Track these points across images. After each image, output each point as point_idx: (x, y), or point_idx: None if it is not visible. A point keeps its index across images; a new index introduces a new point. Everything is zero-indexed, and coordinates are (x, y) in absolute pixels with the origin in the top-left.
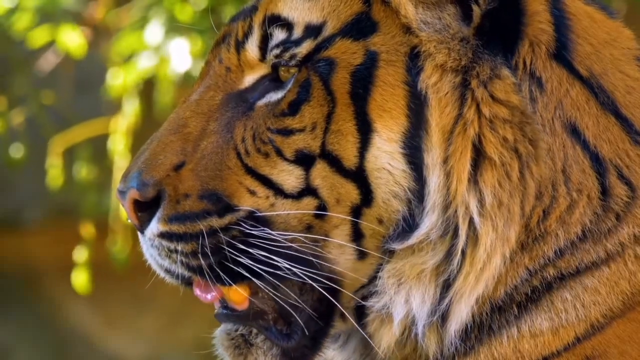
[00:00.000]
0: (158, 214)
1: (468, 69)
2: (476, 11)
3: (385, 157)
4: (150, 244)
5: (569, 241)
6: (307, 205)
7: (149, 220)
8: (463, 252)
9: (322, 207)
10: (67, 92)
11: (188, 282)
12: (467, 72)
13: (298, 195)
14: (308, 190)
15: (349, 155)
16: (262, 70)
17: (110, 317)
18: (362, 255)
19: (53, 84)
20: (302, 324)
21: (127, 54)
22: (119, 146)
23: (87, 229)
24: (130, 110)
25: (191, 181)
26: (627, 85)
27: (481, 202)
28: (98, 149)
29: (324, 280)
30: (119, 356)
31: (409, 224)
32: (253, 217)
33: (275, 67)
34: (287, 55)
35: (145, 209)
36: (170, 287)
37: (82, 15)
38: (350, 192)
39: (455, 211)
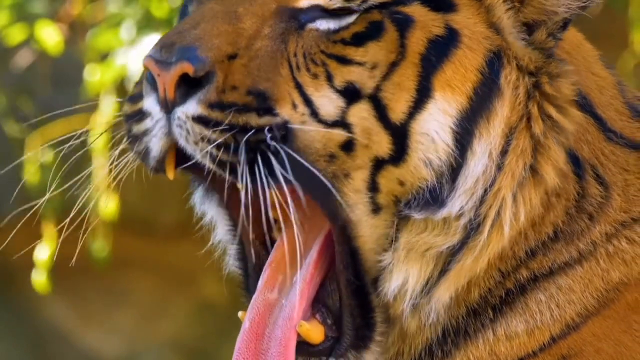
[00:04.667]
0: (199, 96)
1: (540, 71)
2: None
3: (435, 124)
4: (177, 124)
5: (540, 241)
6: (337, 135)
7: (184, 100)
8: (475, 248)
9: (349, 144)
10: (44, 89)
11: (192, 167)
12: (540, 74)
13: (331, 124)
14: (342, 124)
15: (398, 109)
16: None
17: (86, 313)
18: (376, 209)
19: (30, 80)
20: (352, 327)
21: (103, 50)
22: (97, 143)
23: (50, 229)
24: (108, 106)
25: (242, 75)
26: (599, 85)
27: (516, 213)
28: (75, 146)
29: (341, 224)
30: (96, 352)
31: (434, 197)
32: (284, 128)
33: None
34: None
35: (185, 86)
36: (146, 283)
37: (58, 12)
38: (383, 143)
39: (490, 207)
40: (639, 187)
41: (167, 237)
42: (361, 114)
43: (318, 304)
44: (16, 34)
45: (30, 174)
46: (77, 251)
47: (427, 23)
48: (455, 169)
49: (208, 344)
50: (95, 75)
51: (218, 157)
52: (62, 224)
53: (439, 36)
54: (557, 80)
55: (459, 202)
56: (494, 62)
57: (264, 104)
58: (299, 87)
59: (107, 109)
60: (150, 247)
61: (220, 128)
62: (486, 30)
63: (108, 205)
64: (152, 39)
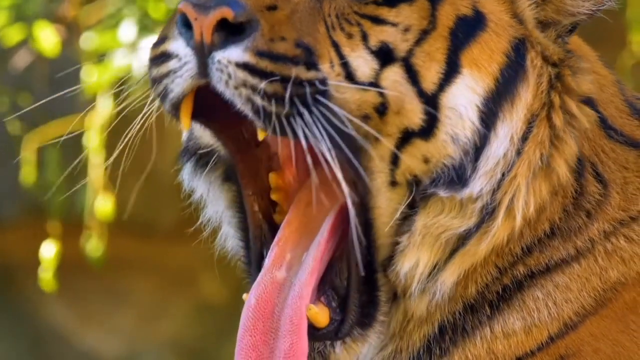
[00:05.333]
0: (246, 44)
1: (562, 64)
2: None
3: (463, 100)
4: (217, 68)
5: (536, 238)
6: (371, 97)
7: (224, 46)
8: (488, 233)
9: (382, 107)
10: (41, 89)
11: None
12: (562, 67)
13: (366, 85)
14: (376, 86)
15: (429, 79)
16: None
17: (85, 313)
18: (394, 182)
19: (27, 80)
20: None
21: (101, 52)
22: (93, 143)
23: (55, 229)
24: (105, 107)
25: (288, 26)
26: (600, 83)
27: (527, 202)
28: (72, 145)
29: (360, 191)
30: (95, 352)
31: (459, 176)
32: (324, 84)
33: None
34: None
35: (223, 31)
36: (145, 283)
37: (55, 13)
38: (415, 113)
39: (505, 193)
40: (638, 185)
41: (166, 238)
42: (394, 77)
43: (324, 286)
44: (14, 35)
45: (27, 174)
46: (77, 251)
47: (455, 1)
48: (478, 148)
49: (207, 344)
50: (92, 77)
51: (262, 106)
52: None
53: (467, 15)
54: (577, 76)
55: (480, 183)
56: (520, 47)
57: (310, 58)
58: (335, 46)
59: (104, 110)
60: (150, 248)
61: (271, 79)
62: (510, 20)
63: (105, 205)
64: (150, 40)
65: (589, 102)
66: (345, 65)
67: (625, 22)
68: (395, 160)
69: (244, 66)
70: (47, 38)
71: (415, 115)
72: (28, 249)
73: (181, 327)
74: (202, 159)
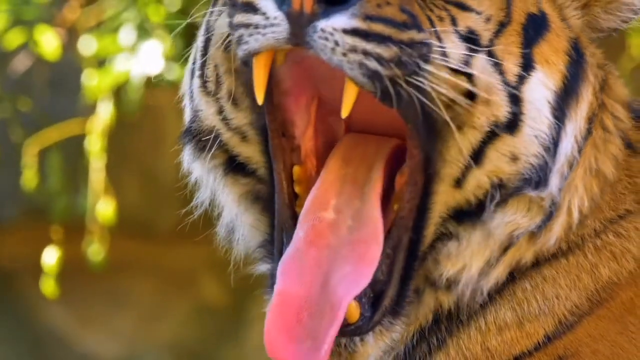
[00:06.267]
0: (352, 11)
1: (604, 67)
2: None
3: (540, 94)
4: (321, 36)
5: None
6: (462, 81)
7: (327, 14)
8: (551, 230)
9: (471, 94)
10: (41, 93)
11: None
12: (604, 69)
13: (456, 69)
14: (465, 73)
15: (510, 71)
16: None
17: (85, 316)
18: (458, 182)
19: (28, 84)
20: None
21: (101, 56)
22: (94, 147)
23: (57, 233)
24: (105, 111)
25: None
26: None
27: (583, 201)
28: (72, 149)
29: (430, 174)
30: (95, 355)
31: (544, 174)
32: (429, 50)
33: None
34: None
35: (324, 1)
36: (145, 285)
37: (56, 17)
38: (502, 105)
39: (568, 191)
40: (626, 184)
41: (166, 240)
42: (483, 65)
43: None
44: (14, 39)
45: (28, 178)
46: (77, 254)
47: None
48: (554, 145)
49: (207, 347)
50: (92, 80)
51: (375, 71)
52: (66, 226)
53: (535, 13)
54: (617, 79)
55: (555, 181)
56: (578, 48)
57: (416, 22)
58: (431, 22)
59: (105, 114)
60: (150, 250)
61: (386, 42)
62: (562, 23)
63: (106, 208)
64: (150, 44)
65: (625, 105)
66: (440, 42)
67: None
68: (476, 158)
69: (353, 32)
70: (48, 42)
71: (502, 107)
72: (28, 253)
73: (181, 329)
74: (201, 142)
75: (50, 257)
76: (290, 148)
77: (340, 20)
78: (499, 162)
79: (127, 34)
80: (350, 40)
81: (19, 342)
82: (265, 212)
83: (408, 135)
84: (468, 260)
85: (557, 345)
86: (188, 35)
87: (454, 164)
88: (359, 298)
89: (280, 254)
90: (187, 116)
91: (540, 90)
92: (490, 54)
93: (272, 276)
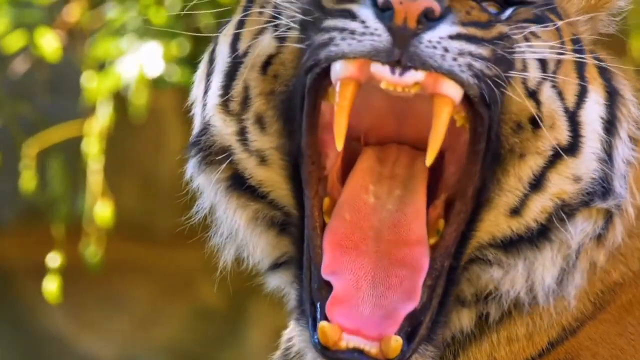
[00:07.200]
0: (451, 19)
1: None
2: None
3: (595, 115)
4: (428, 46)
5: None
6: (531, 106)
7: (430, 27)
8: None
9: (536, 121)
10: (41, 95)
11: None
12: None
13: (529, 93)
14: (535, 98)
15: (569, 98)
16: None
17: (82, 319)
18: (514, 212)
19: (27, 85)
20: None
21: (102, 59)
22: (92, 149)
23: (59, 236)
24: (105, 113)
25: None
26: None
27: (637, 199)
28: (71, 151)
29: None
30: (92, 357)
31: (609, 185)
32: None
33: None
34: None
35: (425, 17)
36: (142, 288)
37: (56, 19)
38: (563, 130)
39: (627, 192)
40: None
41: (163, 243)
42: (548, 93)
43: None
44: (15, 41)
45: (27, 180)
46: (74, 256)
47: (565, 26)
48: (608, 156)
49: (204, 350)
50: (92, 82)
51: (480, 70)
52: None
53: (577, 36)
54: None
55: (618, 186)
56: (605, 73)
57: (498, 17)
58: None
59: (103, 117)
60: (147, 253)
61: (482, 43)
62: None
63: (104, 211)
64: (151, 47)
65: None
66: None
67: (626, 28)
68: (537, 184)
69: (458, 36)
70: (49, 44)
71: (564, 132)
72: (27, 255)
73: (178, 332)
74: (209, 157)
75: (54, 261)
76: (318, 177)
77: (445, 29)
78: (562, 185)
79: (128, 37)
80: (457, 45)
81: (17, 344)
82: (283, 236)
83: (469, 160)
84: (534, 276)
85: (559, 351)
86: (189, 38)
87: (511, 193)
88: (398, 332)
89: (310, 280)
90: (196, 127)
91: (594, 109)
92: (553, 82)
93: (300, 301)
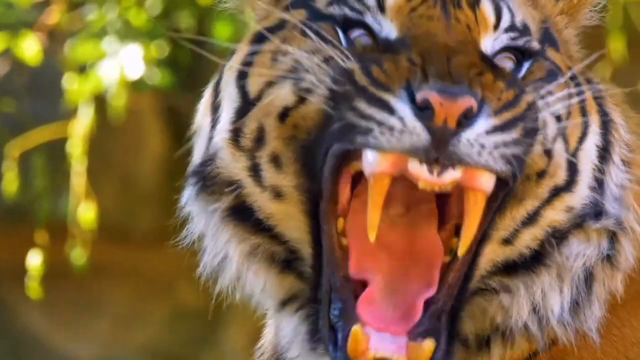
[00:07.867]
0: (486, 113)
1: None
2: None
3: (592, 147)
4: (464, 144)
5: None
6: (542, 162)
7: (469, 124)
8: (620, 253)
9: (543, 173)
10: (22, 97)
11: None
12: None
13: (542, 151)
14: (548, 154)
15: (572, 142)
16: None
17: (63, 320)
18: (507, 242)
19: (8, 88)
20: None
21: (83, 62)
22: (75, 151)
23: (41, 236)
24: (86, 115)
25: (494, 81)
26: None
27: (637, 219)
28: (53, 153)
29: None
30: (72, 359)
31: (598, 209)
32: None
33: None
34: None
35: (464, 118)
36: (122, 290)
37: (37, 21)
38: (561, 173)
39: (628, 211)
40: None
41: (143, 244)
42: (559, 145)
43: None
44: None
45: (9, 181)
46: (55, 258)
47: (563, 58)
48: (601, 181)
49: (184, 351)
50: (73, 84)
51: (511, 154)
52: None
53: (573, 74)
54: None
55: (610, 207)
56: (602, 109)
57: (522, 88)
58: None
59: (85, 118)
60: (126, 254)
61: (515, 123)
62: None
63: (87, 212)
64: (131, 49)
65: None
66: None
67: (604, 30)
68: (531, 218)
69: (494, 129)
70: (29, 46)
71: (561, 175)
72: (9, 256)
73: (157, 334)
74: (211, 187)
75: (35, 259)
76: (336, 215)
77: (482, 125)
78: (555, 216)
79: (108, 39)
80: (493, 139)
81: None
82: (287, 274)
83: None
84: (537, 302)
85: (542, 357)
86: (168, 40)
87: (504, 230)
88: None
89: (329, 314)
90: (197, 156)
91: (592, 140)
92: (563, 135)
93: (314, 331)
